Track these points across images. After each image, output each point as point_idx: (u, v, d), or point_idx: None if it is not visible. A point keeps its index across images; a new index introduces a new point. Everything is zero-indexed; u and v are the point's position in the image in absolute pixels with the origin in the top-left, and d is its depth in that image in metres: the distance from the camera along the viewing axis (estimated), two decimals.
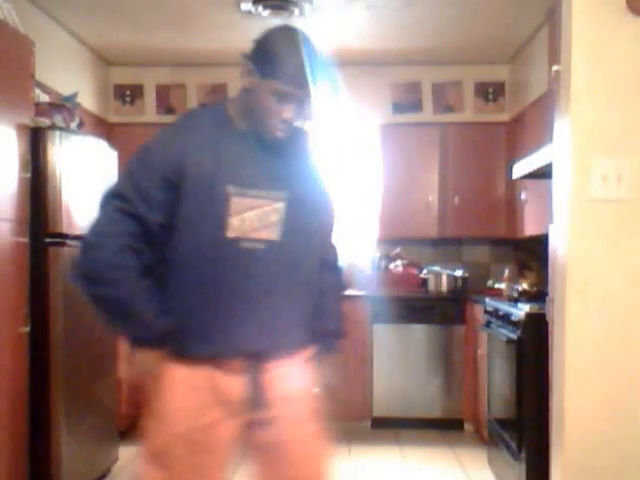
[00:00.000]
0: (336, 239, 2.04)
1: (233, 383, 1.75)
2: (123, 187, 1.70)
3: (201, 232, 1.71)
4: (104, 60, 5.22)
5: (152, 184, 1.67)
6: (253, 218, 1.74)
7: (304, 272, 1.83)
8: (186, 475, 1.74)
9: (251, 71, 1.77)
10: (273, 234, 1.76)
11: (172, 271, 1.73)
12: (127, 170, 1.75)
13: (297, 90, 1.75)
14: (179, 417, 1.74)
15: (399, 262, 5.27)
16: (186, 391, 1.74)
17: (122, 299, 1.66)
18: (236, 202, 1.71)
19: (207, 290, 1.73)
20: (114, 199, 1.68)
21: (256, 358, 1.77)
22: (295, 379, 1.84)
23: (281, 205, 1.77)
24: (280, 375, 1.81)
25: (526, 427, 3.22)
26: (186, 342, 1.73)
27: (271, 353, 1.79)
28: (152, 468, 1.75)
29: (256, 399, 1.78)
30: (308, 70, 1.76)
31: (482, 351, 4.32)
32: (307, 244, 1.83)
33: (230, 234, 1.71)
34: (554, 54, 2.79)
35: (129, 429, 4.28)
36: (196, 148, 1.72)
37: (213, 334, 1.74)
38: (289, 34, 1.80)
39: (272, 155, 1.80)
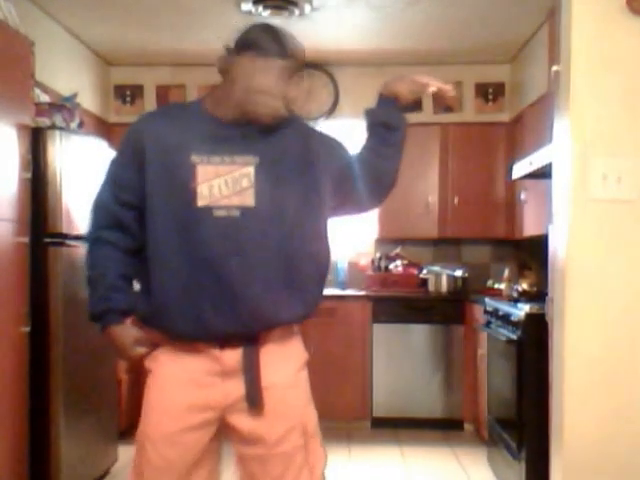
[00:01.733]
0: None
1: (217, 370, 1.74)
2: (104, 179, 1.87)
3: (171, 204, 1.72)
4: (104, 60, 5.22)
5: (122, 169, 1.80)
6: (222, 185, 1.70)
7: (279, 240, 1.73)
8: (156, 466, 1.79)
9: (227, 57, 1.76)
10: (247, 200, 1.70)
11: (150, 250, 1.74)
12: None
13: (274, 58, 1.72)
14: (160, 413, 1.77)
15: (399, 262, 5.27)
16: (170, 387, 1.76)
17: (87, 272, 1.81)
18: (201, 170, 1.70)
19: (183, 265, 1.70)
20: (98, 192, 1.86)
21: (240, 340, 1.73)
22: (281, 364, 1.79)
23: (250, 169, 1.71)
24: (265, 361, 1.75)
25: (526, 427, 3.22)
26: (169, 322, 1.74)
27: (251, 333, 1.73)
28: (137, 455, 1.86)
29: (248, 393, 1.74)
30: (285, 40, 1.74)
31: (482, 351, 4.32)
32: (281, 210, 1.73)
33: (200, 202, 1.69)
34: (554, 54, 2.79)
35: (129, 429, 4.28)
36: (159, 127, 1.77)
37: (191, 314, 1.70)
38: (266, 25, 1.80)
39: (241, 129, 1.74)
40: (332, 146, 1.91)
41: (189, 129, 1.75)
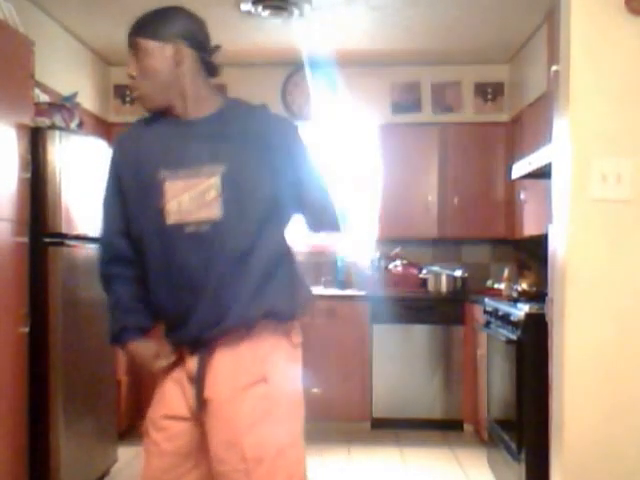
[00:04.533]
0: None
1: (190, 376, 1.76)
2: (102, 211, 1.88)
3: (145, 225, 1.75)
4: (104, 60, 5.22)
5: (110, 198, 1.83)
6: (189, 200, 1.68)
7: (248, 247, 1.69)
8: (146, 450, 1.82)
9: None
10: (214, 212, 1.67)
11: (144, 270, 1.79)
12: None
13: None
14: (155, 401, 1.82)
15: (399, 262, 5.27)
16: (165, 380, 1.81)
17: (106, 302, 1.87)
18: (169, 186, 1.69)
19: (163, 281, 1.74)
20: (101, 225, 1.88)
21: (207, 344, 1.72)
22: (229, 376, 1.73)
23: (216, 180, 1.67)
24: (224, 368, 1.72)
25: (526, 428, 3.22)
26: (165, 332, 1.80)
27: (220, 338, 1.71)
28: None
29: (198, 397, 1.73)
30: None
31: (482, 351, 4.32)
32: (249, 218, 1.69)
33: (169, 221, 1.69)
34: (553, 54, 2.80)
35: (129, 429, 4.28)
36: (131, 146, 1.79)
37: (175, 323, 1.75)
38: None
39: (205, 132, 1.73)
40: (291, 152, 1.78)
41: (157, 138, 1.76)
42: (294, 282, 1.79)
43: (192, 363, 1.74)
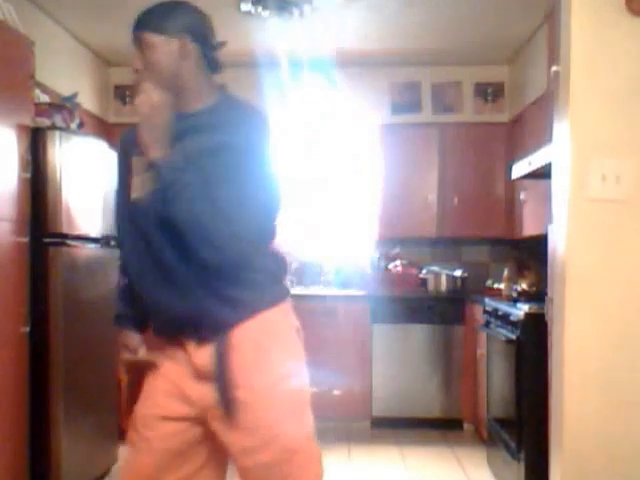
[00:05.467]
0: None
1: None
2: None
3: (120, 205, 1.81)
4: (104, 60, 5.22)
5: (118, 186, 1.85)
6: (151, 177, 1.64)
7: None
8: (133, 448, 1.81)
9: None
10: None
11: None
12: None
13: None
14: (144, 398, 1.81)
15: (398, 262, 5.28)
16: (157, 378, 1.79)
17: None
18: (135, 160, 1.69)
19: (135, 266, 1.76)
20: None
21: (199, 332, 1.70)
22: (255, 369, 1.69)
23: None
24: (247, 362, 1.68)
25: (525, 427, 3.22)
26: (157, 325, 1.82)
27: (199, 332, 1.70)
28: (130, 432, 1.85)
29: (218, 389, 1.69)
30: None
31: (481, 351, 4.33)
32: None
33: (133, 195, 1.69)
34: (553, 54, 2.80)
35: (129, 429, 4.28)
36: (128, 138, 1.79)
37: (153, 312, 1.77)
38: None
39: (189, 126, 1.70)
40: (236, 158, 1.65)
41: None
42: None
43: (202, 356, 1.69)
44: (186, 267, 1.64)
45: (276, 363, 1.71)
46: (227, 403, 1.67)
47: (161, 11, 1.74)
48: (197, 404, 1.72)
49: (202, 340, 1.69)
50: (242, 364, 1.68)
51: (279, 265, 1.82)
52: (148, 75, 1.71)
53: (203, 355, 1.69)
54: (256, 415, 1.68)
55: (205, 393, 1.69)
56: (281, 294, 1.80)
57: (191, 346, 1.71)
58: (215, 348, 1.67)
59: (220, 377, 1.67)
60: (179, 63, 1.71)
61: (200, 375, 1.70)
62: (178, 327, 1.72)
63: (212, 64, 1.77)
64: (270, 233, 1.74)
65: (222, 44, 1.78)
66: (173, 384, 1.74)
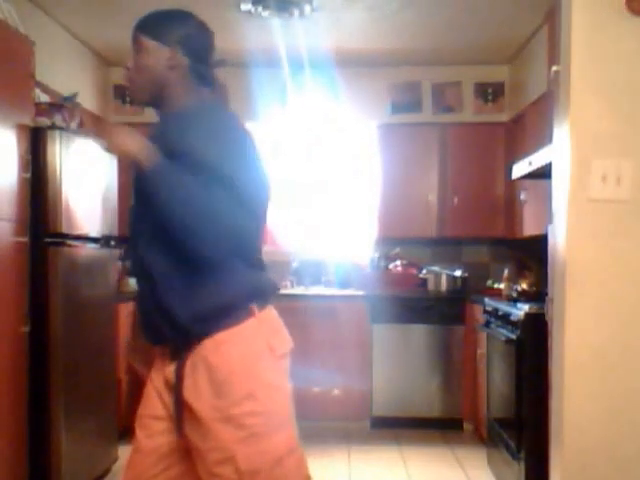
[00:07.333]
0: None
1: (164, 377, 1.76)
2: None
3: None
4: (104, 60, 5.22)
5: None
6: None
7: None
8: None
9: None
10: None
11: None
12: None
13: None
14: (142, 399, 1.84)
15: (398, 262, 5.28)
16: (149, 380, 1.82)
17: None
18: None
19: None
20: None
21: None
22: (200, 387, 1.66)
23: None
24: (203, 384, 1.66)
25: (525, 427, 3.22)
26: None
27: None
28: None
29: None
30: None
31: (481, 351, 4.33)
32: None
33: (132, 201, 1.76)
34: (553, 54, 2.80)
35: (129, 429, 4.28)
36: None
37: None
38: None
39: (156, 132, 1.71)
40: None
41: None
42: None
43: (170, 370, 1.71)
44: (149, 270, 1.66)
45: (231, 387, 1.63)
46: (178, 421, 1.70)
47: (162, 18, 1.76)
48: (170, 411, 1.74)
49: (172, 355, 1.71)
50: (193, 387, 1.65)
51: (252, 284, 1.71)
52: (134, 74, 1.74)
53: (170, 369, 1.72)
54: (208, 436, 1.64)
55: (172, 403, 1.72)
56: (245, 314, 1.67)
57: (167, 357, 1.73)
58: (176, 366, 1.69)
59: (175, 394, 1.69)
60: (165, 72, 1.72)
61: (169, 386, 1.73)
62: (151, 333, 1.76)
63: (203, 80, 1.76)
64: (240, 246, 1.63)
65: (221, 62, 1.79)
66: (157, 387, 1.78)
